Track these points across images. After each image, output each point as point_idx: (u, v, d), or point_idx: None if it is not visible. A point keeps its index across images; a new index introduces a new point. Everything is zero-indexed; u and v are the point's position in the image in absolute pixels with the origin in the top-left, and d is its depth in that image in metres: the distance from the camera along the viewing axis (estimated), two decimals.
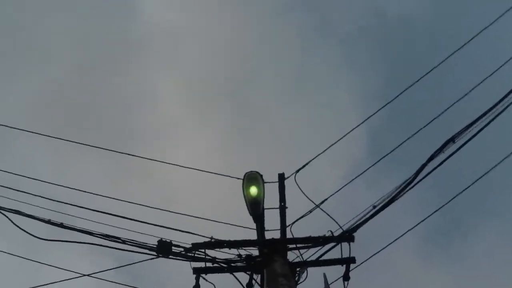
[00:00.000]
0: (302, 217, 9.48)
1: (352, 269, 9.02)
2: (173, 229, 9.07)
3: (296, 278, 8.85)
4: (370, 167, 9.68)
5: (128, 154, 10.36)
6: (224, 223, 9.55)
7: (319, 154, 9.73)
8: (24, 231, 8.52)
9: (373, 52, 36.35)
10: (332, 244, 9.07)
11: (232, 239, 9.00)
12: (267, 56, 35.89)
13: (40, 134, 10.36)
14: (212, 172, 10.02)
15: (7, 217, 8.59)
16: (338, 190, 9.71)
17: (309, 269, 9.06)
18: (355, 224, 8.97)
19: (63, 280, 9.12)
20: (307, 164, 9.68)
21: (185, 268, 8.91)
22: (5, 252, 9.40)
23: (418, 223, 9.24)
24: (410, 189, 8.77)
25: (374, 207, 8.94)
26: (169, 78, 34.42)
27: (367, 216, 8.93)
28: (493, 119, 8.38)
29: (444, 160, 8.60)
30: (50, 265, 9.25)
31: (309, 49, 36.08)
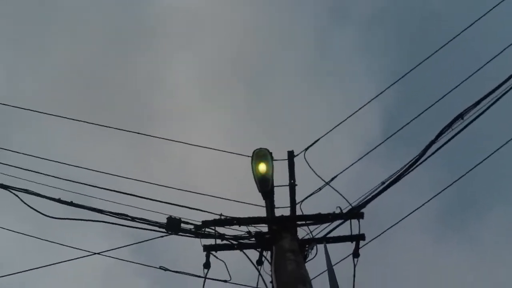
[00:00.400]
0: (311, 194, 9.50)
1: (362, 246, 9.05)
2: (182, 206, 9.13)
3: (306, 254, 8.88)
4: (380, 144, 9.70)
5: (146, 135, 10.45)
6: (234, 200, 9.61)
7: (328, 132, 9.77)
8: (33, 209, 8.60)
9: (389, 34, 36.13)
10: (341, 220, 9.07)
11: (241, 216, 9.04)
12: (282, 40, 35.89)
13: (60, 116, 10.42)
14: (220, 150, 10.08)
15: (16, 195, 8.67)
16: (348, 167, 9.72)
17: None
18: (364, 200, 8.99)
19: (74, 259, 9.20)
20: (316, 141, 9.70)
21: (196, 246, 8.97)
22: (17, 232, 9.47)
23: (429, 200, 9.25)
24: (418, 165, 8.77)
25: (383, 183, 8.95)
26: (186, 61, 34.52)
27: (376, 192, 8.95)
28: (501, 96, 8.37)
29: (453, 137, 8.60)
30: (60, 244, 9.33)
31: (325, 32, 36.02)
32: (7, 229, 9.45)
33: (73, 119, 10.31)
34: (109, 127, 10.35)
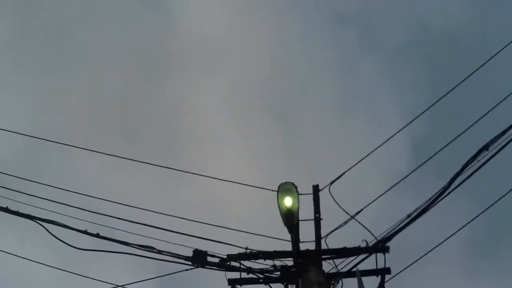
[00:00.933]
0: (337, 228, 9.46)
1: (387, 280, 9.01)
2: (208, 239, 9.11)
3: None
4: (405, 176, 9.65)
5: (171, 169, 10.47)
6: (259, 234, 9.58)
7: (354, 165, 9.74)
8: (60, 240, 8.64)
9: (417, 66, 36.18)
10: (366, 254, 9.05)
11: (266, 250, 9.03)
12: (310, 70, 36.00)
13: (87, 149, 10.54)
14: (247, 184, 10.06)
15: (43, 226, 8.71)
16: (373, 201, 9.67)
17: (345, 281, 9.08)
18: (389, 234, 8.97)
19: None
20: (341, 175, 9.69)
21: (222, 279, 8.95)
22: (43, 264, 9.48)
23: (457, 231, 9.22)
24: (444, 197, 8.73)
25: (409, 216, 8.94)
26: (213, 90, 34.67)
27: (402, 225, 8.93)
28: None
29: (478, 169, 8.56)
30: (86, 277, 9.32)
31: (353, 64, 36.16)
32: (33, 261, 9.48)
33: (101, 152, 10.39)
34: (136, 160, 10.40)
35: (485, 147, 8.58)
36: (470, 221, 9.21)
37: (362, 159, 9.81)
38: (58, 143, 10.39)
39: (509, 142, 8.47)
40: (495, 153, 8.50)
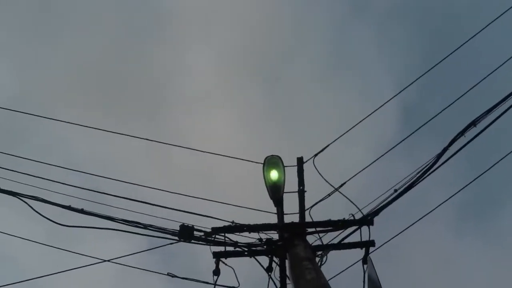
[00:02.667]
0: (320, 200, 9.52)
1: (371, 252, 9.05)
2: (193, 213, 9.08)
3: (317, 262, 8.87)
4: (390, 149, 9.71)
5: (150, 140, 10.31)
6: (244, 207, 9.59)
7: (338, 138, 9.80)
8: (44, 216, 8.46)
9: (409, 31, 35.90)
10: (353, 228, 9.06)
11: (252, 223, 8.99)
12: (301, 33, 35.71)
13: (72, 123, 10.31)
14: (232, 157, 10.01)
15: (26, 203, 8.50)
16: (357, 173, 9.73)
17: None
18: (376, 208, 8.98)
19: (84, 266, 9.09)
20: (326, 147, 9.70)
21: (205, 252, 8.93)
22: (28, 240, 9.35)
23: (438, 206, 9.34)
24: (431, 172, 8.78)
25: (395, 190, 8.96)
26: (202, 53, 34.32)
27: (389, 200, 8.95)
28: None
29: (465, 144, 8.63)
30: (71, 251, 9.22)
31: (345, 26, 35.85)
32: (19, 237, 9.32)
33: (87, 127, 10.19)
34: (121, 134, 10.24)
35: (473, 123, 8.63)
36: (460, 190, 9.31)
37: (347, 131, 9.86)
38: (40, 116, 10.06)
39: (496, 119, 8.51)
40: (483, 130, 8.55)
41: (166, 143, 10.27)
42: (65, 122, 10.22)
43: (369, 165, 9.76)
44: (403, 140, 9.68)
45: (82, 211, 8.61)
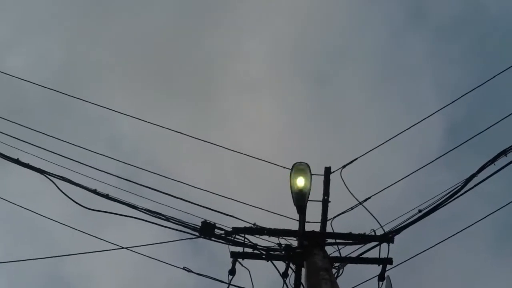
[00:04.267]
0: (343, 212, 9.52)
1: (388, 269, 9.03)
2: (216, 211, 9.10)
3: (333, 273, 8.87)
4: (420, 168, 9.67)
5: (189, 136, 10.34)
6: (267, 210, 9.59)
7: (369, 151, 9.78)
8: (69, 197, 8.51)
9: (466, 46, 35.54)
10: (374, 243, 9.05)
11: (273, 227, 9.01)
12: (356, 36, 35.65)
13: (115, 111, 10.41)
14: (261, 159, 10.01)
15: (53, 182, 8.57)
16: (384, 189, 9.70)
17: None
18: (398, 227, 8.97)
19: (102, 251, 9.13)
20: (354, 160, 9.70)
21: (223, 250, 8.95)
22: (49, 218, 9.39)
23: (463, 229, 9.29)
24: (457, 197, 8.76)
25: (420, 211, 8.95)
26: (258, 41, 34.38)
27: (411, 220, 8.94)
28: None
29: (495, 173, 8.61)
30: (91, 235, 9.26)
31: (400, 34, 35.70)
32: (41, 215, 9.39)
33: (134, 117, 10.28)
34: (169, 128, 10.31)
35: (503, 153, 8.60)
36: (498, 209, 9.26)
37: (379, 145, 9.84)
38: (78, 98, 10.12)
39: None
40: None
41: (206, 141, 10.25)
42: (102, 107, 10.16)
43: (396, 182, 9.74)
44: (438, 157, 9.65)
45: (107, 197, 8.67)
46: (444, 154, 9.71)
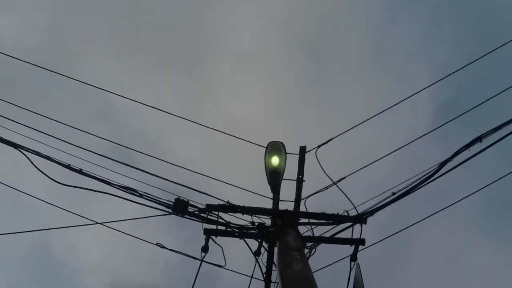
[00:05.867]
0: (317, 192, 9.55)
1: (361, 250, 9.08)
2: (190, 188, 9.13)
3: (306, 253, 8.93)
4: (397, 149, 9.67)
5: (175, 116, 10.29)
6: (241, 188, 9.60)
7: (345, 131, 9.79)
8: (43, 173, 8.48)
9: (460, 27, 35.24)
10: (346, 224, 9.10)
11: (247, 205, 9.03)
12: (349, 12, 35.37)
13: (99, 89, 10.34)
14: (236, 137, 9.98)
15: (26, 156, 8.52)
16: (358, 170, 9.72)
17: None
18: (371, 209, 9.02)
19: (76, 226, 9.14)
20: (330, 140, 9.69)
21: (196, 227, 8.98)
22: (24, 193, 9.38)
23: (439, 210, 9.36)
24: (431, 181, 8.80)
25: (393, 193, 8.99)
26: (249, 13, 34.17)
27: (385, 202, 8.98)
28: None
29: (469, 158, 8.62)
30: (65, 210, 9.25)
31: (394, 13, 35.42)
32: (18, 190, 9.38)
33: (113, 93, 10.23)
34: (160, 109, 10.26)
35: (479, 139, 8.63)
36: (456, 202, 9.32)
37: (357, 125, 9.84)
38: (58, 73, 9.99)
39: (502, 138, 8.50)
40: (487, 146, 8.54)
41: (182, 117, 10.20)
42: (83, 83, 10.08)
43: (369, 164, 9.75)
44: (426, 133, 9.65)
45: (80, 172, 8.64)
46: (433, 130, 9.70)
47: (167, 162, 9.64)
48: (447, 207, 9.45)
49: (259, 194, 9.50)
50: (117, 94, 10.25)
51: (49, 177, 8.42)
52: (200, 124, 10.15)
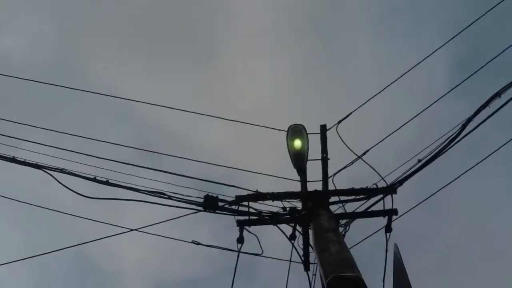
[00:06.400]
0: (343, 168, 9.54)
1: (394, 220, 9.09)
2: (218, 183, 9.16)
3: (340, 231, 8.95)
4: (419, 113, 9.62)
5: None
6: (268, 175, 9.64)
7: (364, 103, 9.73)
8: (68, 188, 8.52)
9: None
10: (377, 198, 9.09)
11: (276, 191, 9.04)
12: None
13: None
14: (256, 125, 9.96)
15: (52, 175, 8.56)
16: (381, 141, 9.69)
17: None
18: (400, 178, 9.00)
19: (111, 236, 9.19)
20: (348, 115, 9.65)
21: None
22: (54, 210, 9.43)
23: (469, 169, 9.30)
24: (455, 143, 8.75)
25: (419, 160, 8.96)
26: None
27: (412, 170, 8.95)
28: None
29: (490, 115, 8.55)
30: (97, 221, 9.31)
31: None
32: (49, 209, 9.45)
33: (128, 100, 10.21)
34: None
35: (497, 94, 8.56)
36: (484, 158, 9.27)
37: (372, 97, 9.77)
38: (70, 88, 9.98)
39: None
40: (508, 101, 8.46)
41: (198, 113, 10.19)
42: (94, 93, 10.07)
43: (391, 134, 9.71)
44: (446, 93, 9.56)
45: (107, 183, 8.68)
46: (451, 90, 9.60)
47: (191, 159, 9.66)
48: (477, 164, 9.38)
49: (287, 178, 9.52)
50: (136, 101, 10.23)
51: (76, 192, 8.48)
52: (216, 117, 10.17)
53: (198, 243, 9.15)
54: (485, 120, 8.60)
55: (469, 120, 8.66)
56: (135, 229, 9.22)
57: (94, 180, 8.66)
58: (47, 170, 8.56)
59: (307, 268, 9.38)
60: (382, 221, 9.04)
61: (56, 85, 10.08)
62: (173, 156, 9.71)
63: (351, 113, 9.65)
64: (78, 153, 9.06)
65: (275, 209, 9.03)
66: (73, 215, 9.41)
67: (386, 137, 9.70)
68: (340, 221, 9.20)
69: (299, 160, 9.15)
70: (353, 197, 9.15)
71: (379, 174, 9.07)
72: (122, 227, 9.20)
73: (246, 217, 8.97)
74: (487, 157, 9.28)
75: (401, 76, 9.76)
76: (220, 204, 8.91)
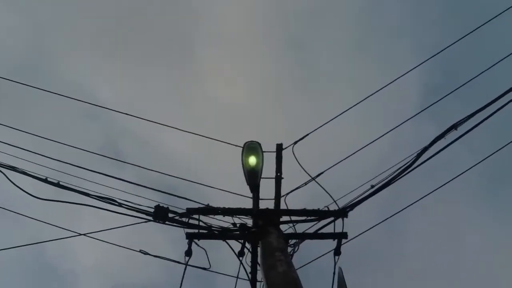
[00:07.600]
0: (296, 188, 9.56)
1: (344, 243, 9.11)
2: (169, 193, 9.16)
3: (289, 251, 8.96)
4: (379, 137, 9.67)
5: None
6: (221, 189, 9.61)
7: (321, 126, 9.77)
8: (20, 188, 8.44)
9: (447, 8, 34.87)
10: (328, 220, 9.12)
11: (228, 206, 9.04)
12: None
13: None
14: (213, 139, 9.96)
15: (3, 173, 8.49)
16: (336, 164, 9.73)
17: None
18: (352, 203, 9.03)
19: (59, 239, 9.14)
20: (306, 135, 9.67)
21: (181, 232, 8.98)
22: (5, 209, 9.36)
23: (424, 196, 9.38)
24: (409, 172, 8.82)
25: (372, 186, 9.01)
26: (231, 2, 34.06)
27: (364, 195, 8.99)
28: (494, 112, 8.37)
29: (445, 147, 8.65)
30: (47, 223, 9.26)
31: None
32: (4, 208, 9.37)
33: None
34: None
35: (454, 127, 8.64)
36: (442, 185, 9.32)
37: (331, 120, 9.79)
38: (32, 87, 9.93)
39: (477, 125, 8.52)
40: (463, 134, 8.55)
41: (162, 123, 10.19)
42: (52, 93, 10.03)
43: (347, 157, 9.75)
44: (389, 131, 9.64)
45: (58, 185, 8.61)
46: (417, 114, 9.71)
47: (145, 168, 9.64)
48: (434, 190, 9.47)
49: (239, 194, 9.51)
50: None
51: (26, 192, 8.40)
52: (172, 127, 10.16)
53: (146, 253, 9.10)
54: (440, 151, 8.69)
55: (425, 149, 8.75)
56: (83, 234, 9.15)
57: (45, 181, 8.57)
58: None
59: (254, 286, 9.35)
60: (333, 243, 9.07)
61: (18, 83, 10.01)
62: (126, 162, 9.68)
63: (308, 134, 9.65)
64: (34, 152, 9.00)
65: (225, 224, 9.03)
66: (22, 214, 9.36)
67: (341, 161, 9.75)
68: (290, 241, 9.21)
69: (252, 177, 9.15)
70: (304, 217, 9.19)
71: (332, 197, 9.12)
72: (72, 230, 9.14)
73: (196, 231, 8.95)
74: (446, 183, 9.38)
75: (365, 99, 9.86)
76: (171, 215, 8.87)
